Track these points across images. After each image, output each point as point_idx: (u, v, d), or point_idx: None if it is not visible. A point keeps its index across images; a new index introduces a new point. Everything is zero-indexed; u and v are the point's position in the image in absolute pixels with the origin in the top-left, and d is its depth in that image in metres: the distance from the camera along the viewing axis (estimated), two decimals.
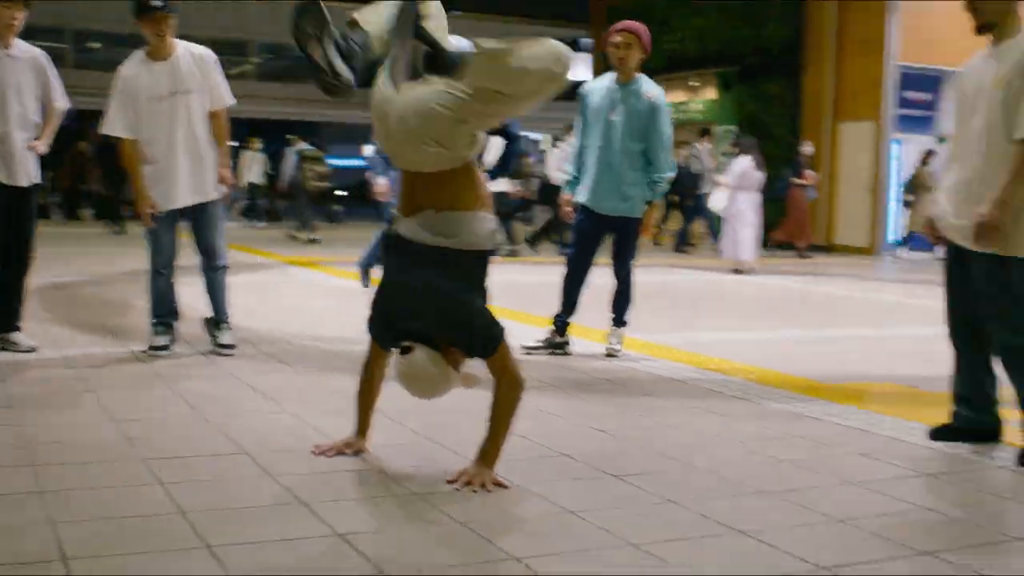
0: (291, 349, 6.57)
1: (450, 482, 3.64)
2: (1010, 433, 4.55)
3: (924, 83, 19.91)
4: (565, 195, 6.86)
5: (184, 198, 6.18)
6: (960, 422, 4.66)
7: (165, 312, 6.30)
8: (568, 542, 3.13)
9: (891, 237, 20.17)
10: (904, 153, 20.30)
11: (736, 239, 14.23)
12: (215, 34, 28.12)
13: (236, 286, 6.82)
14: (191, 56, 6.20)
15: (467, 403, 4.08)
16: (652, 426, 4.78)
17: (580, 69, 8.47)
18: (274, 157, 23.06)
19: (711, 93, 22.24)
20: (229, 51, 30.02)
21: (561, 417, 4.83)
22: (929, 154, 18.26)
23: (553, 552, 3.03)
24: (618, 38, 6.54)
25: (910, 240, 19.15)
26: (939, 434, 4.66)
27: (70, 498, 3.40)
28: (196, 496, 3.44)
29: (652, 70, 24.09)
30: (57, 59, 6.74)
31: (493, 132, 6.91)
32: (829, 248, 19.51)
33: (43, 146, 6.27)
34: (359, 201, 23.41)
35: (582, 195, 6.69)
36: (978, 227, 4.33)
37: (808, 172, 17.78)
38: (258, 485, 3.62)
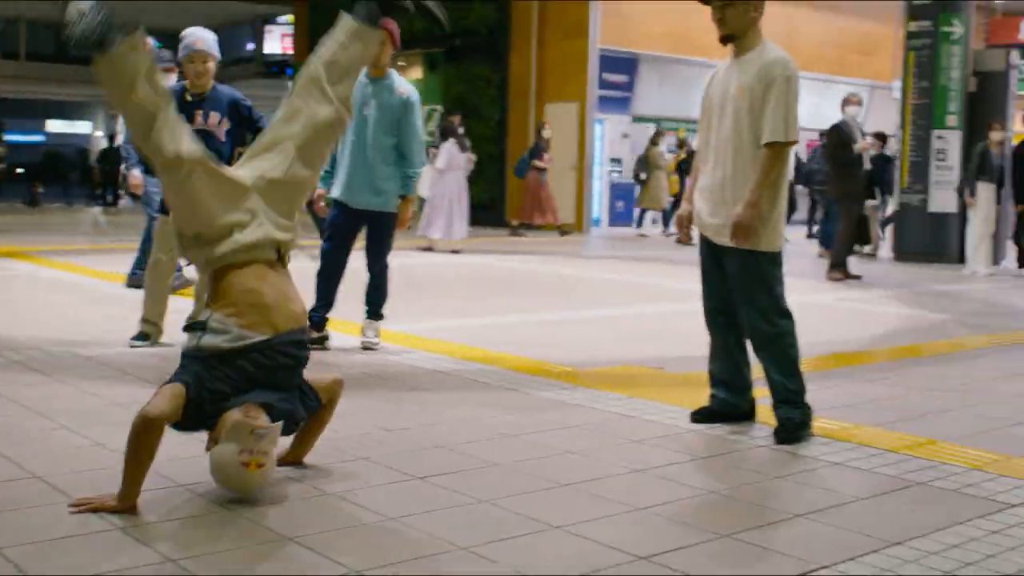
0: (40, 356, 6.29)
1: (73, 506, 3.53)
2: (762, 413, 4.97)
3: (621, 65, 20.91)
4: (319, 190, 6.86)
5: None
6: (717, 405, 5.03)
7: None
8: (402, 551, 3.22)
9: (595, 214, 21.10)
10: (606, 132, 21.26)
11: (451, 220, 14.73)
12: None
13: None
14: None
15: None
16: (433, 422, 4.90)
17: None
18: None
19: (417, 73, 22.48)
20: None
21: (341, 417, 4.89)
22: (658, 134, 19.25)
23: (391, 562, 3.12)
24: None
25: (641, 216, 20.18)
26: (699, 416, 5.03)
27: None
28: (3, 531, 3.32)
29: None
30: None
31: None
32: (540, 227, 20.16)
33: None
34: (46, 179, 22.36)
35: (336, 190, 6.74)
36: (734, 227, 4.69)
37: (546, 155, 18.42)
38: (62, 512, 3.51)
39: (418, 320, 7.92)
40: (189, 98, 6.49)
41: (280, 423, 3.65)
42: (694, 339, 5.69)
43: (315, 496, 3.74)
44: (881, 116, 21.87)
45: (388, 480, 3.97)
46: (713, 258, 4.98)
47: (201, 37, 6.53)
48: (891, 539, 3.43)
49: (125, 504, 3.51)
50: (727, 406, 5.00)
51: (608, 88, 20.76)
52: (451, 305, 9.46)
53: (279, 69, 29.46)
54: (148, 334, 6.67)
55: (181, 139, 3.76)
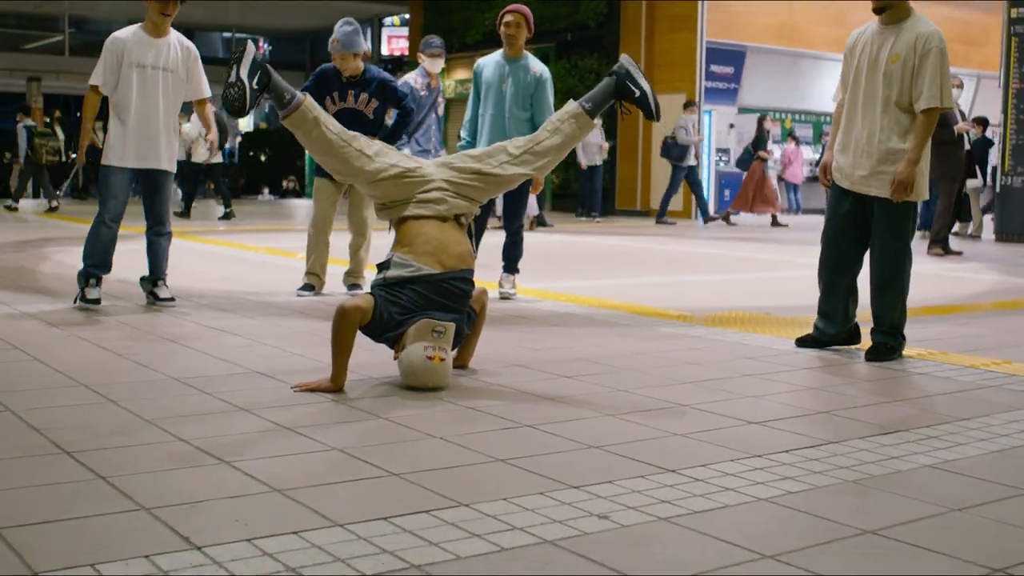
0: (224, 301, 7.25)
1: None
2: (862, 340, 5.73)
3: (727, 57, 21.50)
4: None
5: (145, 162, 6.84)
6: (818, 334, 5.77)
7: (100, 263, 6.78)
8: (563, 412, 4.06)
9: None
10: (713, 122, 21.86)
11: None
12: None
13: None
14: (180, 44, 6.99)
15: None
16: (573, 344, 5.73)
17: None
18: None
19: None
20: None
21: (492, 342, 5.72)
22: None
23: (548, 421, 3.95)
24: (509, 17, 7.46)
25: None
26: (803, 342, 5.79)
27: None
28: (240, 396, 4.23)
29: (471, 45, 25.07)
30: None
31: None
32: (647, 213, 20.92)
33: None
34: None
35: None
36: (897, 183, 5.34)
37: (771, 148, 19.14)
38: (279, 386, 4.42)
39: (547, 281, 8.75)
40: (344, 80, 7.45)
41: (453, 325, 4.52)
42: (794, 297, 6.40)
43: (487, 386, 4.60)
44: (989, 106, 22.12)
45: (541, 378, 4.82)
46: (849, 205, 5.63)
47: (346, 31, 7.44)
48: (963, 415, 4.17)
49: (336, 385, 4.42)
50: (826, 335, 5.74)
51: (715, 80, 21.38)
52: (573, 272, 10.27)
53: (395, 66, 30.54)
54: (312, 285, 7.63)
55: (370, 160, 4.79)
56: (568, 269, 10.70)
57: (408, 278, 4.55)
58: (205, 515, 2.84)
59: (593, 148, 18.73)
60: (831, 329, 5.74)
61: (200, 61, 7.08)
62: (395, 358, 4.57)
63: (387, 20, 33.01)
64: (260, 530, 2.70)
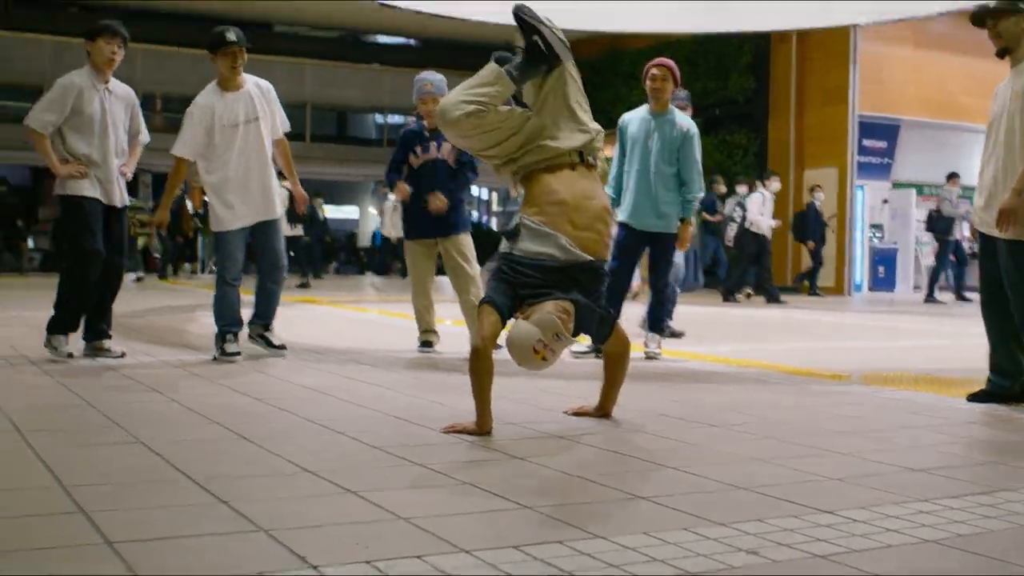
0: (353, 355, 7.19)
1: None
2: None
3: (880, 131, 20.99)
4: None
5: (256, 216, 6.87)
6: (991, 387, 5.40)
7: (232, 321, 6.88)
8: (710, 460, 3.81)
9: (857, 279, 21.09)
10: (866, 198, 21.29)
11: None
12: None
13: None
14: (258, 88, 6.95)
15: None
16: (720, 399, 5.46)
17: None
18: None
19: None
20: None
21: (635, 395, 5.49)
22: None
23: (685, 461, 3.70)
24: (656, 71, 7.30)
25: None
26: (975, 397, 5.42)
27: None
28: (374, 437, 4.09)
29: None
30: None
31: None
32: (797, 289, 20.40)
33: (129, 172, 6.89)
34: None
35: (622, 214, 7.41)
36: (999, 213, 5.10)
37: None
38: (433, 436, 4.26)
39: (693, 345, 8.48)
40: (427, 133, 7.53)
41: (572, 341, 4.30)
42: (964, 362, 6.04)
43: (631, 432, 4.37)
44: None
45: (688, 427, 4.57)
46: (986, 251, 5.40)
47: (430, 79, 7.45)
48: None
49: (482, 428, 4.26)
50: (1000, 388, 5.35)
51: (867, 154, 20.87)
52: (722, 336, 9.96)
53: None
54: (431, 341, 7.62)
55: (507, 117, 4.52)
56: (717, 334, 10.39)
57: (534, 263, 4.32)
58: (324, 538, 2.68)
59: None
60: (1005, 382, 5.37)
61: (276, 97, 7.09)
62: (513, 318, 4.35)
63: None
64: (381, 553, 2.53)
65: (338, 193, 39.22)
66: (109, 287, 6.82)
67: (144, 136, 7.05)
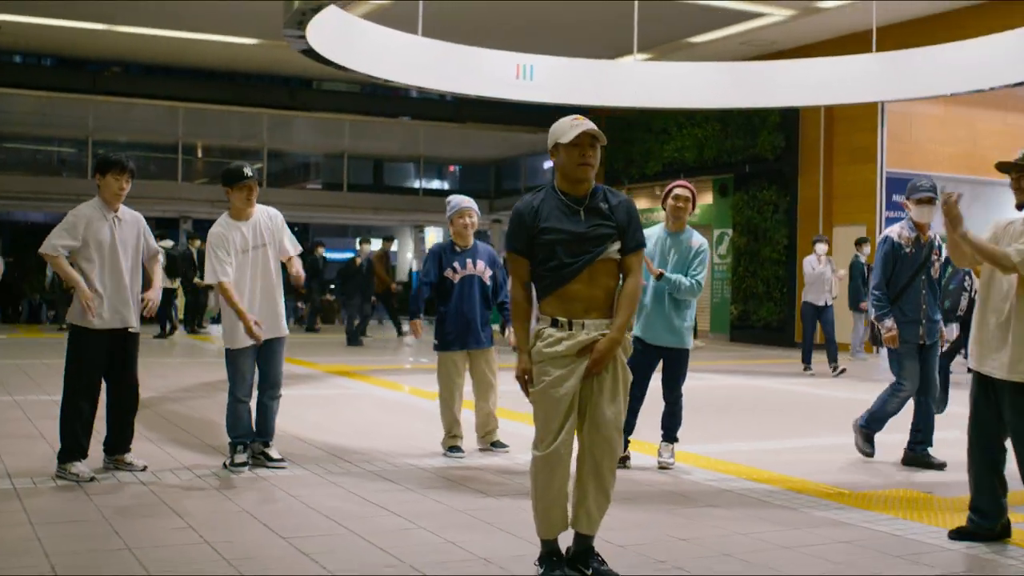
0: (387, 467, 7.57)
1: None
2: (1016, 535, 5.62)
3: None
4: None
5: (271, 332, 7.37)
6: (973, 527, 5.71)
7: (244, 433, 7.44)
8: None
9: None
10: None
11: None
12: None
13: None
14: (267, 217, 7.52)
15: None
16: (721, 534, 5.79)
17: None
18: None
19: (707, 198, 23.55)
20: None
21: (641, 527, 5.83)
22: None
23: None
24: (680, 191, 7.65)
25: None
26: (956, 535, 5.72)
27: None
28: None
29: (650, 176, 25.39)
30: None
31: None
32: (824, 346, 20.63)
33: (155, 298, 7.33)
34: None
35: (637, 329, 7.75)
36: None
37: None
38: None
39: (710, 443, 8.80)
40: (457, 249, 8.16)
41: None
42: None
43: None
44: None
45: None
46: (983, 392, 5.76)
47: (466, 198, 8.22)
48: None
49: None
50: (981, 528, 5.66)
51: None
52: (740, 429, 10.26)
53: None
54: (458, 446, 8.12)
55: None
56: (745, 426, 10.69)
57: None
58: None
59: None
60: (986, 523, 5.67)
61: (285, 224, 7.64)
62: None
63: None
64: None
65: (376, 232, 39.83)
66: (127, 404, 7.29)
67: (160, 257, 7.62)
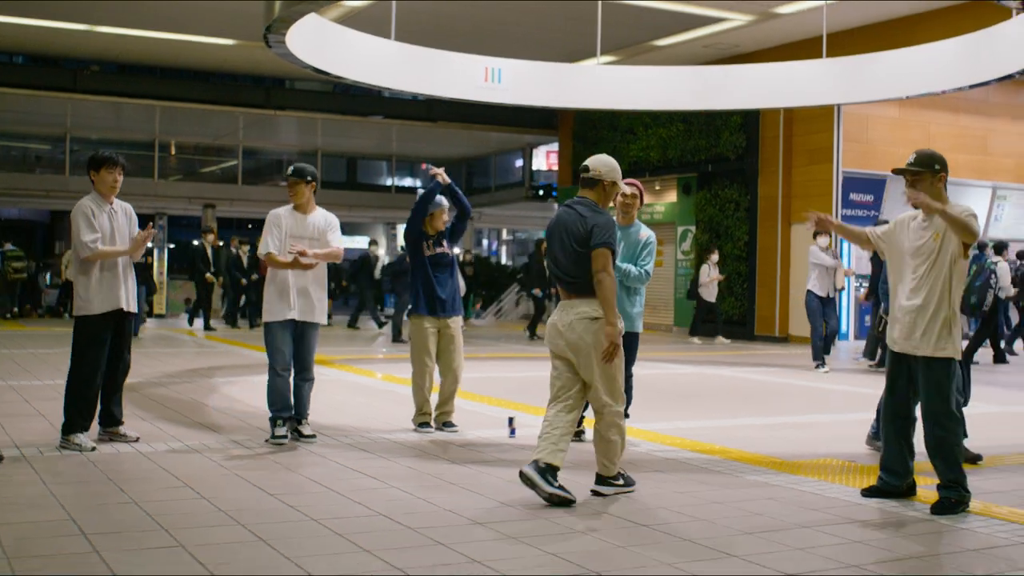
0: (362, 440, 8.25)
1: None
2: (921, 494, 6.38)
3: (866, 185, 21.99)
4: None
5: (301, 315, 8.13)
6: (882, 484, 6.46)
7: (283, 407, 8.13)
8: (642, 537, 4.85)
9: (842, 328, 22.04)
10: (852, 250, 22.26)
11: None
12: None
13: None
14: (325, 219, 8.38)
15: None
16: (659, 492, 6.50)
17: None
18: None
19: (672, 197, 24.30)
20: None
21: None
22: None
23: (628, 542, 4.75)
24: (628, 190, 8.35)
25: None
26: (868, 493, 6.47)
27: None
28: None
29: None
30: None
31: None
32: (785, 339, 21.45)
33: (137, 254, 8.03)
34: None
35: None
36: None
37: None
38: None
39: (660, 421, 9.52)
40: (431, 232, 9.07)
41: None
42: None
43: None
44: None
45: (624, 525, 5.62)
46: (900, 370, 6.50)
47: (440, 198, 9.04)
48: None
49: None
50: (889, 486, 6.42)
51: (854, 207, 21.85)
52: (692, 410, 10.98)
53: (545, 192, 31.91)
54: (428, 422, 8.83)
55: None
56: (694, 408, 11.40)
57: None
58: None
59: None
60: (894, 481, 6.42)
61: (338, 228, 8.44)
62: None
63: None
64: None
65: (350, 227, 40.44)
66: (121, 378, 7.98)
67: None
